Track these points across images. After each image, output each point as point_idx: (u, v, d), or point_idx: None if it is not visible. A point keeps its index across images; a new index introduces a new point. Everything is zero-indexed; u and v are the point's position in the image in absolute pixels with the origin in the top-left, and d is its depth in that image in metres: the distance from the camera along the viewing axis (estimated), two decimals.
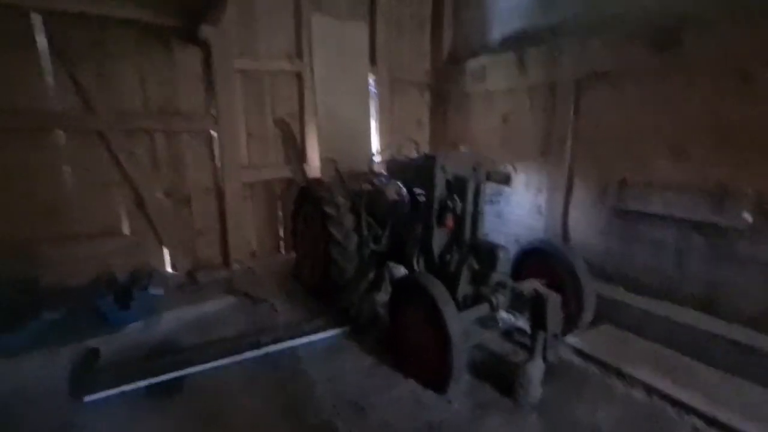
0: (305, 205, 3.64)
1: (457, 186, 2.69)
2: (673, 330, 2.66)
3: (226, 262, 4.17)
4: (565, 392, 2.28)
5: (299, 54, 4.27)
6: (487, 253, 2.59)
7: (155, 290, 3.18)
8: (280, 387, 2.29)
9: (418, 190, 3.32)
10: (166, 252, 3.93)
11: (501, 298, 2.58)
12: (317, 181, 3.53)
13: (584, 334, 2.81)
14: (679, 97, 2.81)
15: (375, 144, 4.78)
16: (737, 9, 2.45)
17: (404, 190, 3.68)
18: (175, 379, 2.27)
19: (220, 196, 4.09)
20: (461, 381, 2.13)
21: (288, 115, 4.35)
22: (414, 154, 3.33)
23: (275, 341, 2.67)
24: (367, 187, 3.61)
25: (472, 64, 4.53)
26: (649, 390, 2.26)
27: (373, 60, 4.63)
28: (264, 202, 4.39)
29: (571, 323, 2.74)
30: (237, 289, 3.62)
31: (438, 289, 2.22)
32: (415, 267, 2.99)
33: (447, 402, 2.17)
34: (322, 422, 2.01)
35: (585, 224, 3.57)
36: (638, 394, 2.25)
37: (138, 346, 2.66)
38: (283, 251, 4.59)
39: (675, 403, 2.15)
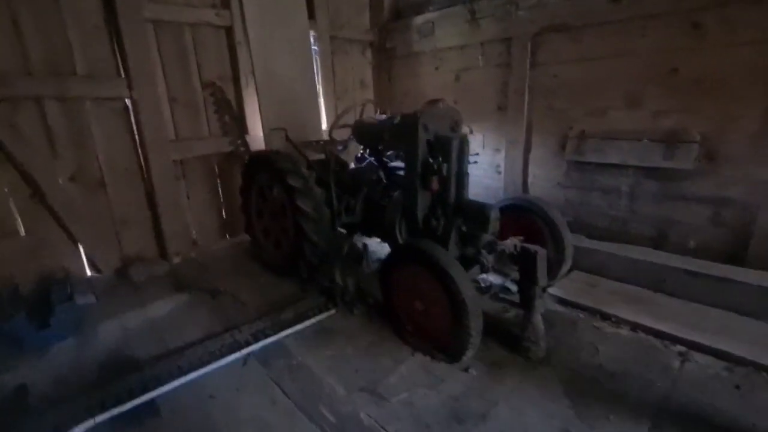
0: (258, 178, 3.20)
1: (439, 145, 2.52)
2: (636, 268, 2.89)
3: (162, 254, 3.55)
4: (563, 340, 2.36)
5: (225, 3, 3.61)
6: (477, 214, 2.51)
7: (83, 298, 2.56)
8: (277, 387, 2.00)
9: (388, 154, 3.11)
10: (82, 250, 3.20)
11: (490, 259, 2.55)
12: (274, 152, 3.10)
13: (560, 283, 2.94)
14: (634, 47, 2.94)
15: (323, 109, 4.38)
16: None
17: (366, 153, 3.45)
18: (145, 403, 1.83)
19: (145, 177, 3.40)
20: (475, 347, 2.06)
21: (219, 78, 3.73)
22: (381, 116, 3.07)
23: (256, 338, 2.33)
24: (327, 155, 3.28)
25: (419, 20, 4.30)
26: (634, 326, 2.43)
27: (311, 14, 4.13)
28: (201, 182, 3.78)
29: (550, 275, 2.84)
30: (187, 283, 3.10)
31: (444, 254, 2.08)
32: (398, 234, 2.81)
33: (463, 370, 2.09)
34: (343, 417, 1.80)
35: (544, 178, 3.70)
36: (625, 332, 2.41)
37: (78, 371, 2.11)
38: (228, 236, 4.07)
39: (657, 334, 2.34)
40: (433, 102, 2.63)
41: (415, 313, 2.27)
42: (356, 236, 3.53)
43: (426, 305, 2.19)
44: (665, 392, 1.91)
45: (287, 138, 3.41)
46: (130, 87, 3.15)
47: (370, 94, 5.02)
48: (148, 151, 3.31)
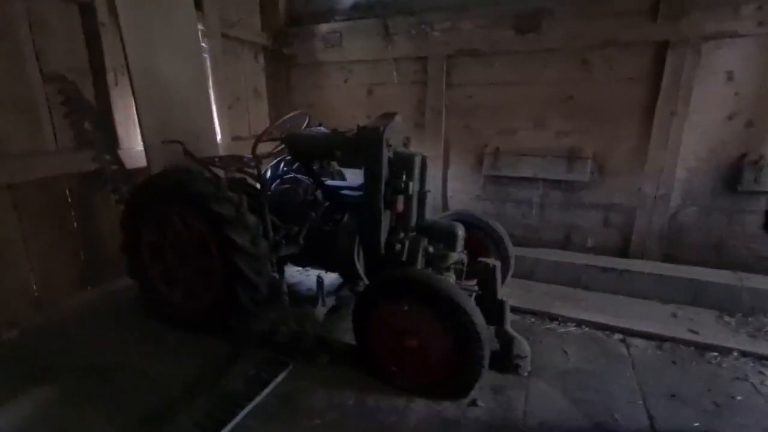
0: (158, 206, 2.40)
1: (402, 163, 2.33)
2: (557, 269, 3.25)
3: None
4: (533, 349, 2.42)
5: None
6: (445, 234, 2.43)
7: None
8: None
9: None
10: None
11: (454, 278, 2.48)
12: (184, 171, 2.37)
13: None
14: (538, 76, 3.35)
15: (216, 119, 3.65)
16: (581, 4, 3.05)
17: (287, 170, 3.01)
18: None
19: None
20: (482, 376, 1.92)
21: (71, 70, 2.70)
22: (319, 128, 2.69)
23: (205, 430, 1.67)
24: (240, 175, 2.70)
25: (324, 28, 4.02)
26: (578, 323, 2.69)
27: (198, 4, 3.41)
28: (45, 214, 2.65)
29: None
30: (43, 365, 2.07)
31: (446, 282, 1.90)
32: (356, 263, 2.48)
33: (470, 404, 1.92)
34: None
35: (462, 192, 3.87)
36: (573, 329, 2.65)
37: None
38: (90, 287, 2.96)
39: (597, 326, 2.64)
40: (389, 115, 2.43)
41: (406, 351, 1.99)
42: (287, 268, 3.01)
43: (422, 341, 1.95)
44: (636, 379, 2.14)
45: (188, 153, 2.69)
46: None
47: (264, 103, 4.47)
48: None
